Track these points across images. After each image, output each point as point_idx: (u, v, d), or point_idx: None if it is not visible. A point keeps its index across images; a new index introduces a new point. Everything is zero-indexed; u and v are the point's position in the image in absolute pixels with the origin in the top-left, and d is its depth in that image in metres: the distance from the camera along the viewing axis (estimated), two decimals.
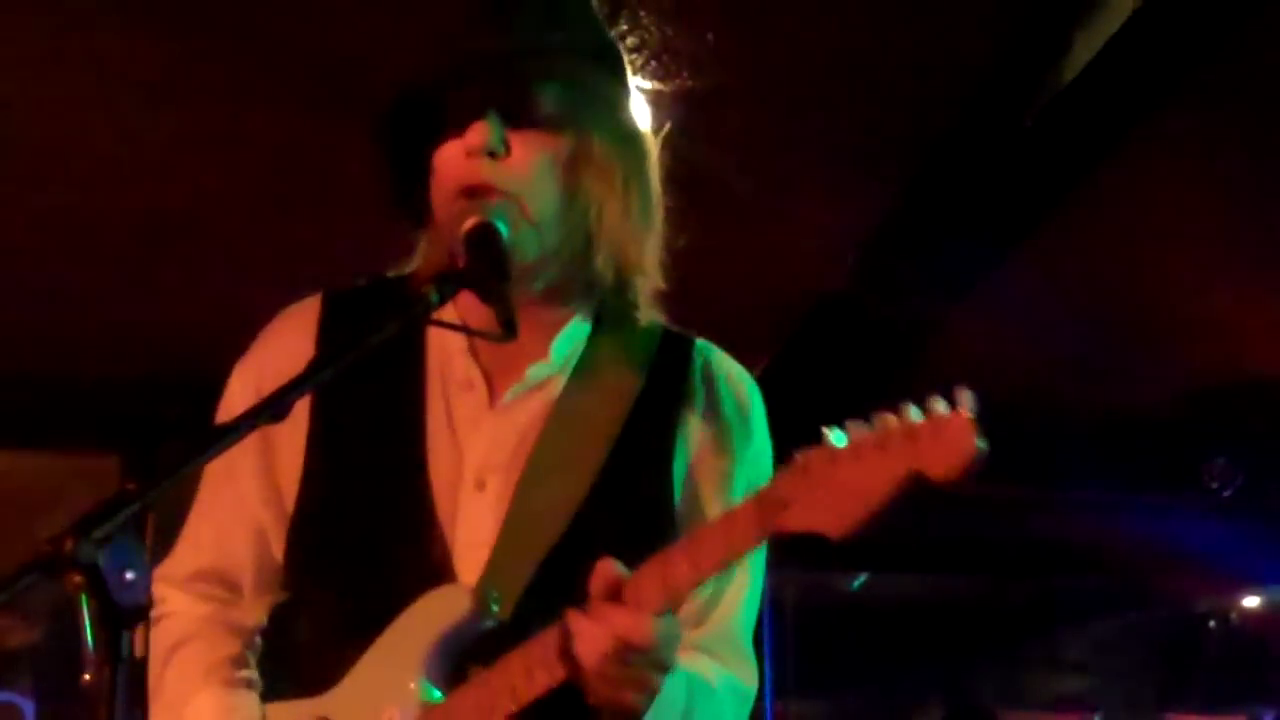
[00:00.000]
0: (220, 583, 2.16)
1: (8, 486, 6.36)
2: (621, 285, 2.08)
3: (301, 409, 2.06)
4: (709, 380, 2.12)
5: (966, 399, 1.64)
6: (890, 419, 1.68)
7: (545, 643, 1.86)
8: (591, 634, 1.80)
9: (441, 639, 1.96)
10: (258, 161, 4.67)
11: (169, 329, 5.74)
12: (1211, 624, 8.77)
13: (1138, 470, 6.80)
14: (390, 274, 2.16)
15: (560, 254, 2.03)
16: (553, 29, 2.03)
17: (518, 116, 1.99)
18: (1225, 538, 6.98)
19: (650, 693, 1.85)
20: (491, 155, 1.97)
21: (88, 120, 4.44)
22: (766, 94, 4.31)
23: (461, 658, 1.95)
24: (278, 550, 2.12)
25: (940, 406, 1.66)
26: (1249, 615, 8.68)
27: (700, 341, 2.16)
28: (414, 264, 2.12)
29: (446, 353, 2.09)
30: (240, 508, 2.13)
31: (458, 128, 1.99)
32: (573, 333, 2.09)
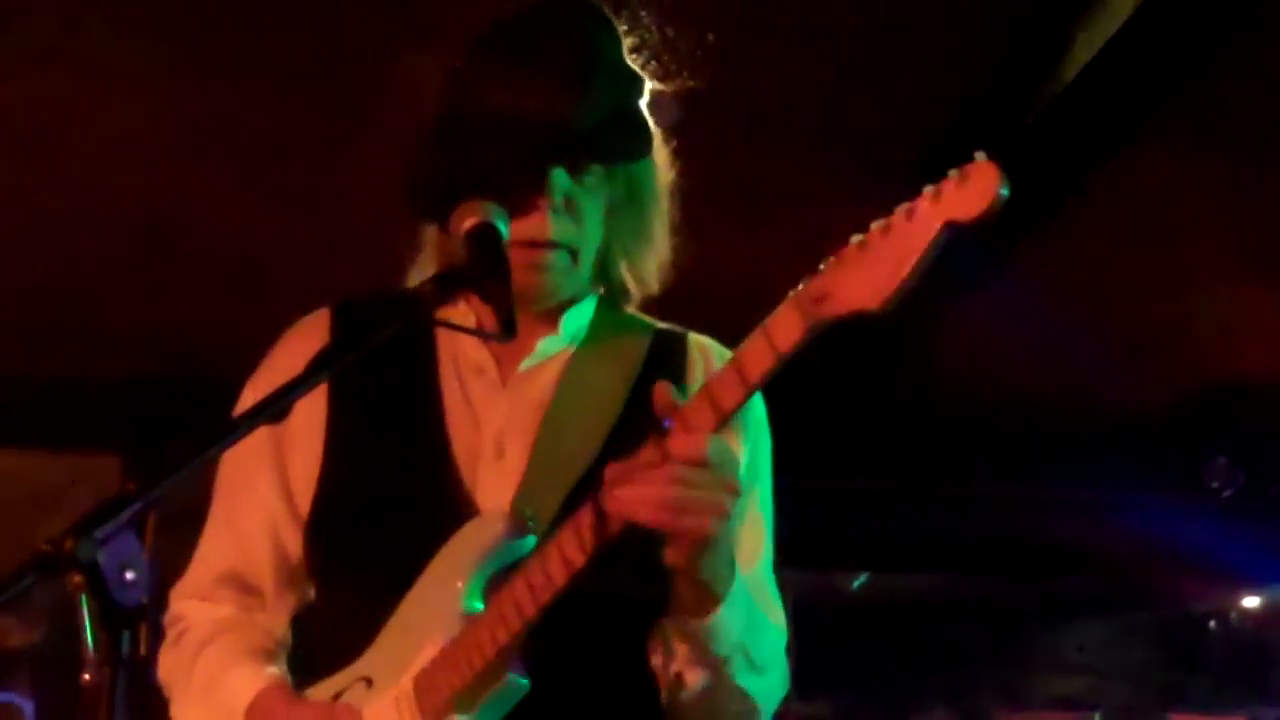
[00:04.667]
0: (241, 588, 2.18)
1: (8, 486, 6.35)
2: (623, 285, 2.22)
3: (318, 406, 2.12)
4: (705, 356, 2.22)
5: (981, 154, 1.67)
6: (906, 204, 1.72)
7: (579, 522, 1.85)
8: (645, 469, 1.80)
9: (483, 559, 1.97)
10: (259, 161, 4.67)
11: (169, 329, 5.74)
12: (1211, 624, 8.77)
13: (1138, 470, 6.79)
14: (401, 286, 2.19)
15: (586, 281, 2.18)
16: (599, 71, 2.10)
17: (579, 175, 2.09)
18: (1225, 538, 6.98)
19: (724, 516, 1.83)
20: (555, 211, 2.06)
21: (88, 120, 4.44)
22: (766, 95, 4.31)
23: (501, 582, 1.95)
24: (294, 551, 2.16)
25: (954, 170, 1.68)
26: (1249, 615, 8.68)
27: (692, 332, 2.26)
28: (424, 273, 2.18)
29: (456, 340, 2.17)
30: (258, 512, 2.16)
31: (523, 189, 2.04)
32: (581, 310, 2.19)
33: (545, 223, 2.06)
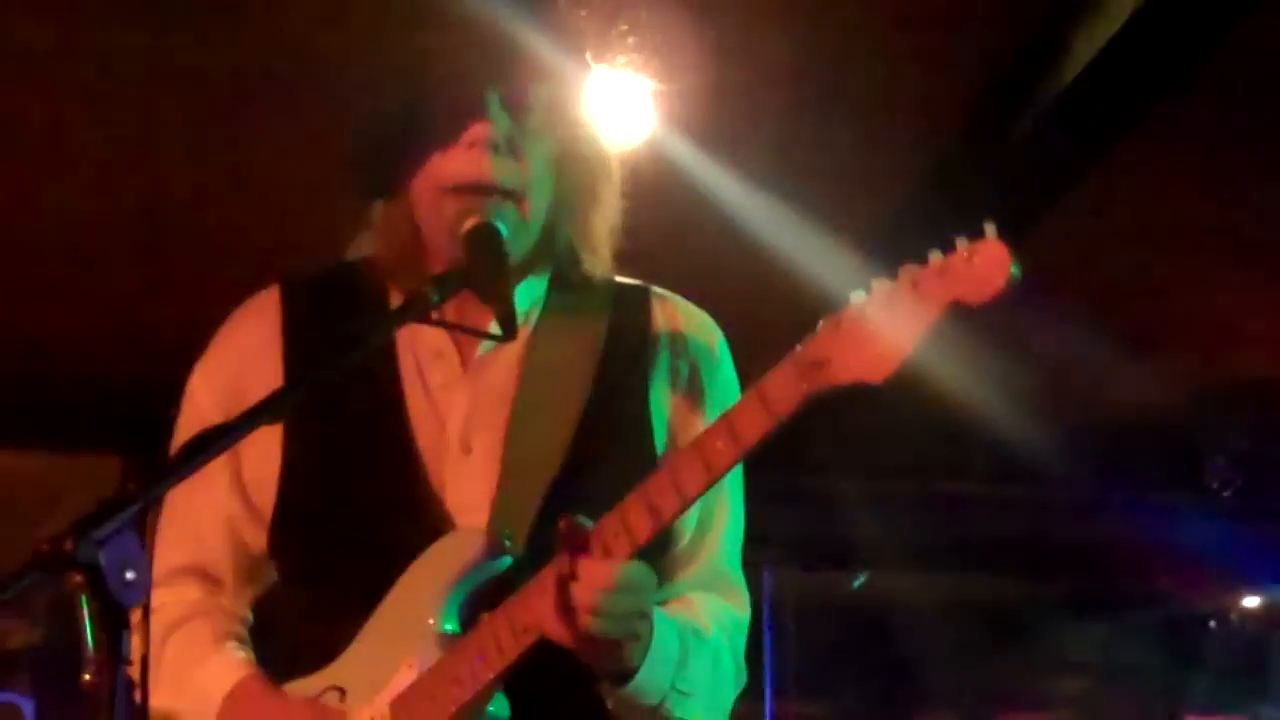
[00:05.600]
0: (201, 576, 2.15)
1: (8, 486, 6.35)
2: (575, 255, 2.12)
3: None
4: (670, 320, 2.16)
5: (991, 229, 1.64)
6: (914, 267, 1.68)
7: (525, 602, 1.88)
8: (566, 590, 1.82)
9: (457, 580, 1.95)
10: (259, 161, 4.67)
11: (169, 329, 5.73)
12: (1211, 624, 8.75)
13: (1138, 470, 6.79)
14: (347, 257, 2.16)
15: (534, 241, 2.08)
16: (533, 20, 2.02)
17: (518, 113, 2.01)
18: (1225, 538, 6.97)
19: (633, 637, 1.87)
20: (495, 150, 1.98)
21: (87, 120, 4.44)
22: (766, 95, 4.31)
23: (477, 602, 1.95)
24: (253, 544, 2.12)
25: (964, 241, 1.65)
26: (1249, 615, 8.66)
27: (654, 287, 2.20)
28: (369, 245, 2.13)
29: (414, 326, 2.08)
30: (211, 505, 2.12)
31: (456, 123, 1.98)
32: (530, 287, 2.11)
33: (485, 160, 1.97)
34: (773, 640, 6.16)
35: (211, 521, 2.13)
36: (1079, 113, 4.07)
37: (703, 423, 2.05)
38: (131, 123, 4.45)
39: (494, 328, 1.93)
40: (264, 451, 2.08)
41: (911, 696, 8.86)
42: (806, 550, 6.86)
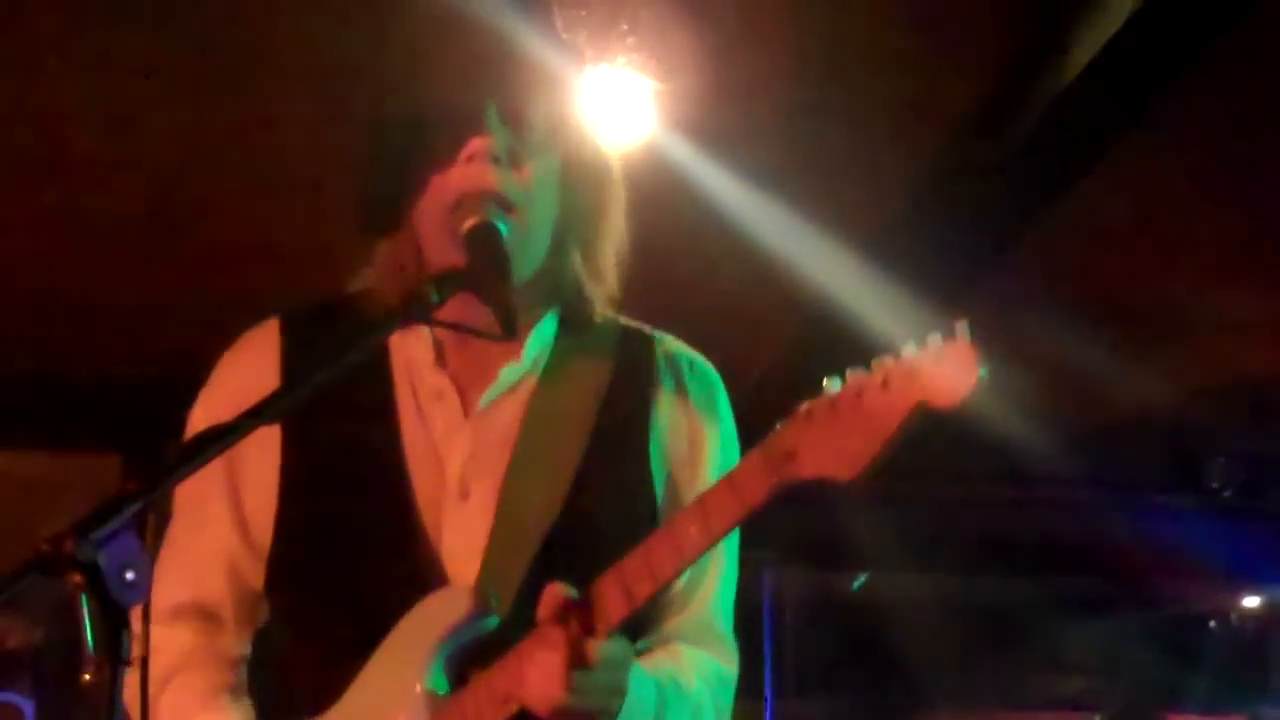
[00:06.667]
0: (201, 615, 2.14)
1: (8, 486, 6.35)
2: (581, 289, 2.10)
3: (271, 438, 2.05)
4: (673, 369, 2.15)
5: (962, 329, 1.63)
6: (888, 360, 1.69)
7: (506, 672, 1.89)
8: (537, 669, 1.84)
9: (444, 640, 1.95)
10: (259, 161, 4.66)
11: (169, 329, 5.73)
12: (1211, 624, 8.75)
13: (1138, 470, 6.78)
14: (347, 291, 2.15)
15: (539, 261, 2.06)
16: (528, 31, 2.02)
17: (518, 128, 2.00)
18: (1225, 538, 6.97)
19: (607, 713, 1.87)
20: (496, 162, 1.97)
21: (87, 120, 4.44)
22: (766, 96, 4.31)
23: (464, 660, 1.95)
24: (253, 581, 2.12)
25: (936, 339, 1.65)
26: (1249, 615, 8.66)
27: (658, 333, 2.19)
28: (371, 278, 2.11)
29: (413, 366, 2.09)
30: (212, 542, 2.12)
31: (455, 138, 1.97)
32: (541, 333, 2.10)
33: (486, 171, 1.97)
34: (773, 640, 6.16)
35: (212, 558, 2.12)
36: (1079, 113, 4.07)
37: (700, 477, 2.06)
38: (133, 122, 4.45)
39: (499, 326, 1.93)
40: (262, 486, 2.08)
41: (911, 697, 8.86)
42: (806, 550, 6.85)
